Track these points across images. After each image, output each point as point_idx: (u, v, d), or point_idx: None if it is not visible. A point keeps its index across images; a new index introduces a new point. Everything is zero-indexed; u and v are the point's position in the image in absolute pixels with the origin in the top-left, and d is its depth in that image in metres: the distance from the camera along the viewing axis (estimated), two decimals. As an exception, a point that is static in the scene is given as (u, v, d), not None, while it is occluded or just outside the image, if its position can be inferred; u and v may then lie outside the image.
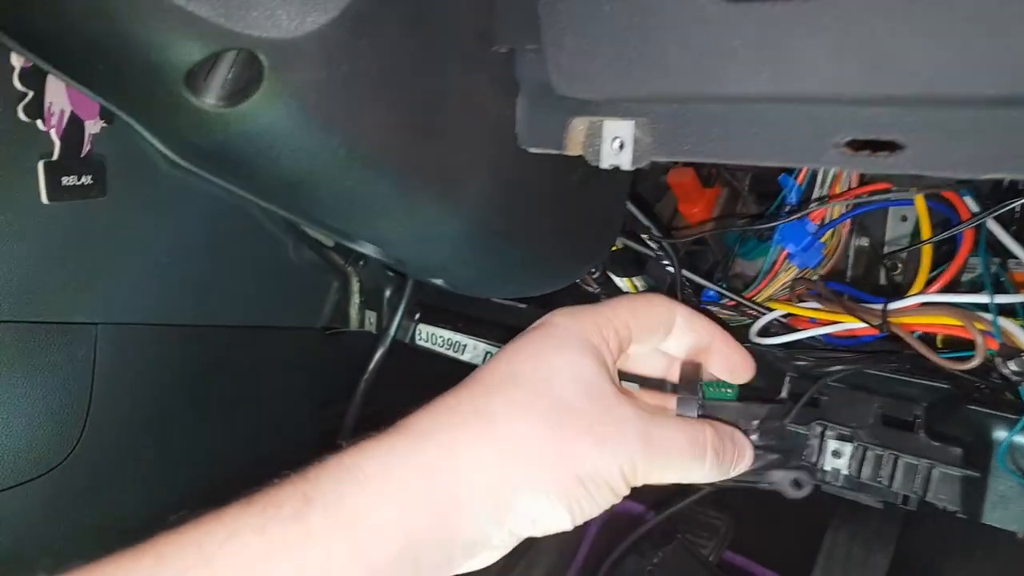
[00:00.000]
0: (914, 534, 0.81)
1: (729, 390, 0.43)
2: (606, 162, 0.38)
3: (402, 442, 0.31)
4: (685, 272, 0.61)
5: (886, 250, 0.59)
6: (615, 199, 0.52)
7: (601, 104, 0.39)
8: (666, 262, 0.55)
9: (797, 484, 0.44)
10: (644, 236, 0.56)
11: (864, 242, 0.60)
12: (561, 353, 0.34)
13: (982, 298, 0.45)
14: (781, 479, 0.44)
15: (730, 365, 0.41)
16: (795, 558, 0.86)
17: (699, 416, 0.38)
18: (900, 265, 0.56)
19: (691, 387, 0.39)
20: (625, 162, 0.38)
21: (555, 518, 0.32)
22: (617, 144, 0.38)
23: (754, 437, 0.43)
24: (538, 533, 0.32)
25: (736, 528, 0.92)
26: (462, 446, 0.31)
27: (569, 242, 0.50)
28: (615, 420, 0.33)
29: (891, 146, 0.31)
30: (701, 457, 0.35)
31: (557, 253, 0.51)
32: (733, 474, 0.39)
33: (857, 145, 0.32)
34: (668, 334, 0.39)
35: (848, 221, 0.61)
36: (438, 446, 0.31)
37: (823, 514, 0.86)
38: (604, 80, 0.36)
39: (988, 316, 0.45)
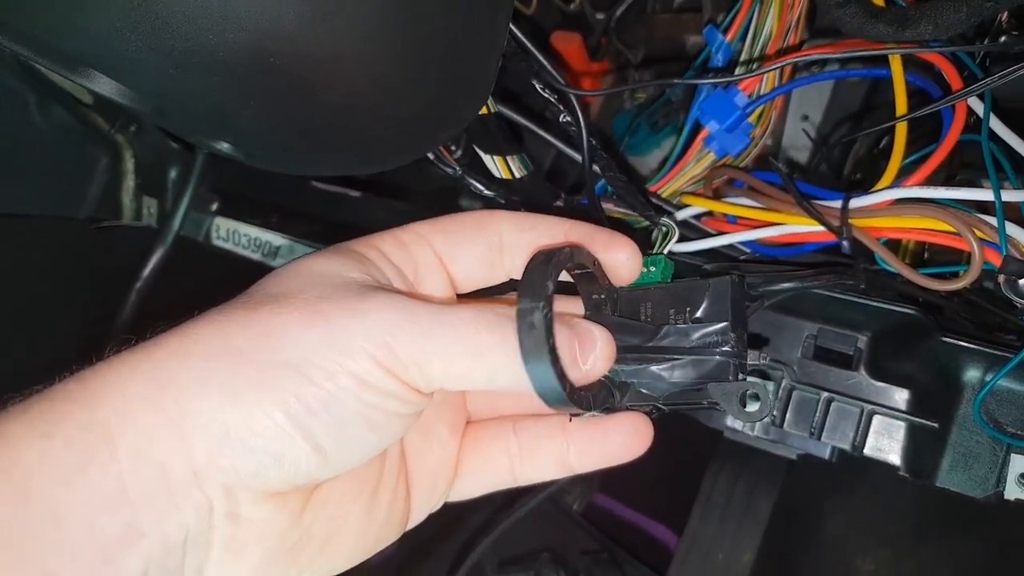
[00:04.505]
0: (796, 473, 0.73)
1: (652, 268, 0.32)
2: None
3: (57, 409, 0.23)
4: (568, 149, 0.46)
5: (836, 136, 0.45)
6: (492, 22, 0.34)
7: None
8: (567, 118, 0.39)
9: (747, 399, 0.30)
10: (536, 84, 0.39)
11: (803, 124, 0.47)
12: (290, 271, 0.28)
13: (981, 194, 0.33)
14: (726, 393, 0.30)
15: (599, 249, 0.30)
16: (670, 501, 0.77)
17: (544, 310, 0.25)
18: (853, 155, 0.43)
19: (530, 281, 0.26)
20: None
21: (268, 432, 0.23)
22: None
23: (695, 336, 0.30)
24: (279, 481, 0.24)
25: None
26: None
27: (424, 79, 0.32)
28: (340, 296, 0.26)
29: None
30: (495, 331, 0.25)
31: (405, 96, 0.33)
32: (587, 369, 0.27)
33: None
34: (497, 242, 0.31)
35: (781, 97, 0.47)
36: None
37: (701, 450, 0.76)
38: None
39: (990, 220, 0.32)
